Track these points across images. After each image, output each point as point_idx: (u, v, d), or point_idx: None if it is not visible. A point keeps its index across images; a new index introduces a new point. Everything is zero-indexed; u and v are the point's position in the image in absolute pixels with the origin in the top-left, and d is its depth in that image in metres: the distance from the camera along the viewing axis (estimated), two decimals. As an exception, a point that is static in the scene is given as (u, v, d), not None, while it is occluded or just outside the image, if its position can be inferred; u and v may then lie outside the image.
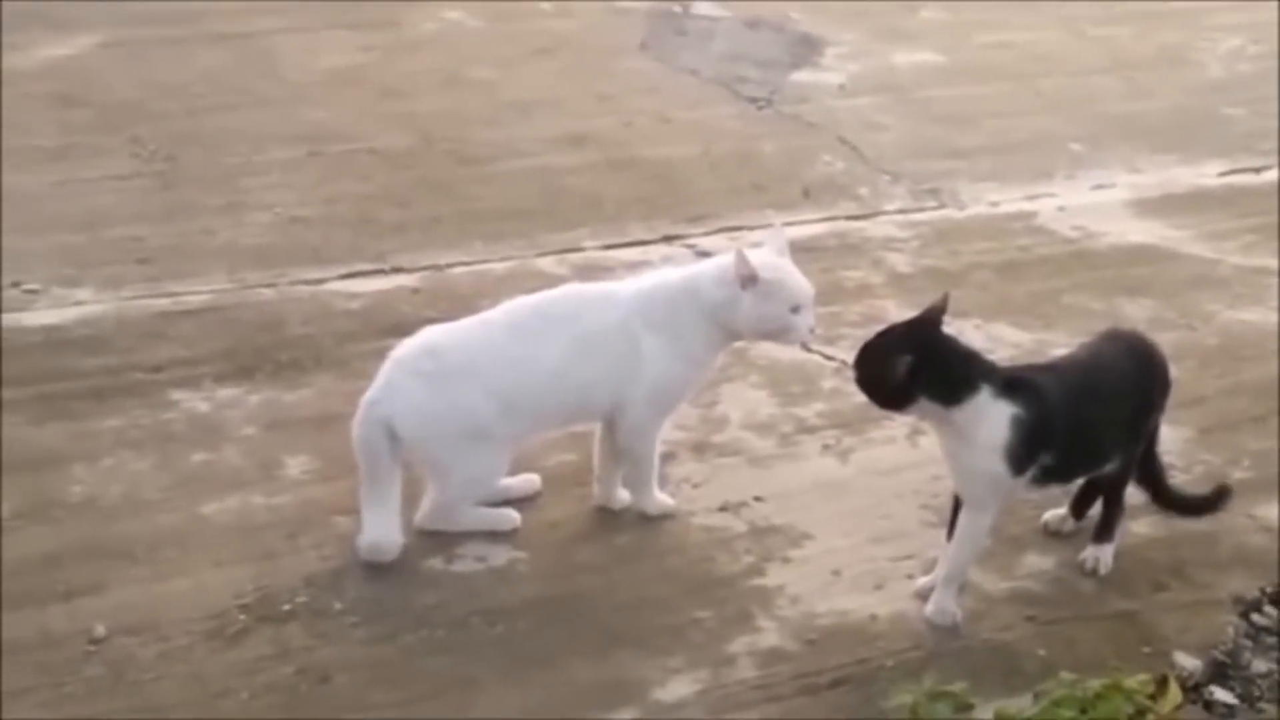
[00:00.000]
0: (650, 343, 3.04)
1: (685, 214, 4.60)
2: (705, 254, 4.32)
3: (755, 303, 2.98)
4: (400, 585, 2.92)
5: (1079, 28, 6.59)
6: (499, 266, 4.23)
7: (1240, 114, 5.65)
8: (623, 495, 3.21)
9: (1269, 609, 2.96)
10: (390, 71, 5.72)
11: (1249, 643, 2.89)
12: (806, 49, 6.16)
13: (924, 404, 2.74)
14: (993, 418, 2.74)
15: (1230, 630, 2.91)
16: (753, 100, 5.60)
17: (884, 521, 3.19)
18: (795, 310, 3.00)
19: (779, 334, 3.07)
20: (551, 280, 4.13)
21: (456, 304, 3.99)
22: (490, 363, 2.99)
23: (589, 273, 4.20)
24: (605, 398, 3.07)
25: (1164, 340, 3.87)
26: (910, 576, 3.01)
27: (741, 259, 2.96)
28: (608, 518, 3.18)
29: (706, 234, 4.48)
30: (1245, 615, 2.95)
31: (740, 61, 5.99)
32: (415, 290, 4.08)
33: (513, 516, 3.13)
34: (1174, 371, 3.73)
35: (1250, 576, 3.05)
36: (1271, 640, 2.88)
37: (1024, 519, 3.19)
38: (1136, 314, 4.08)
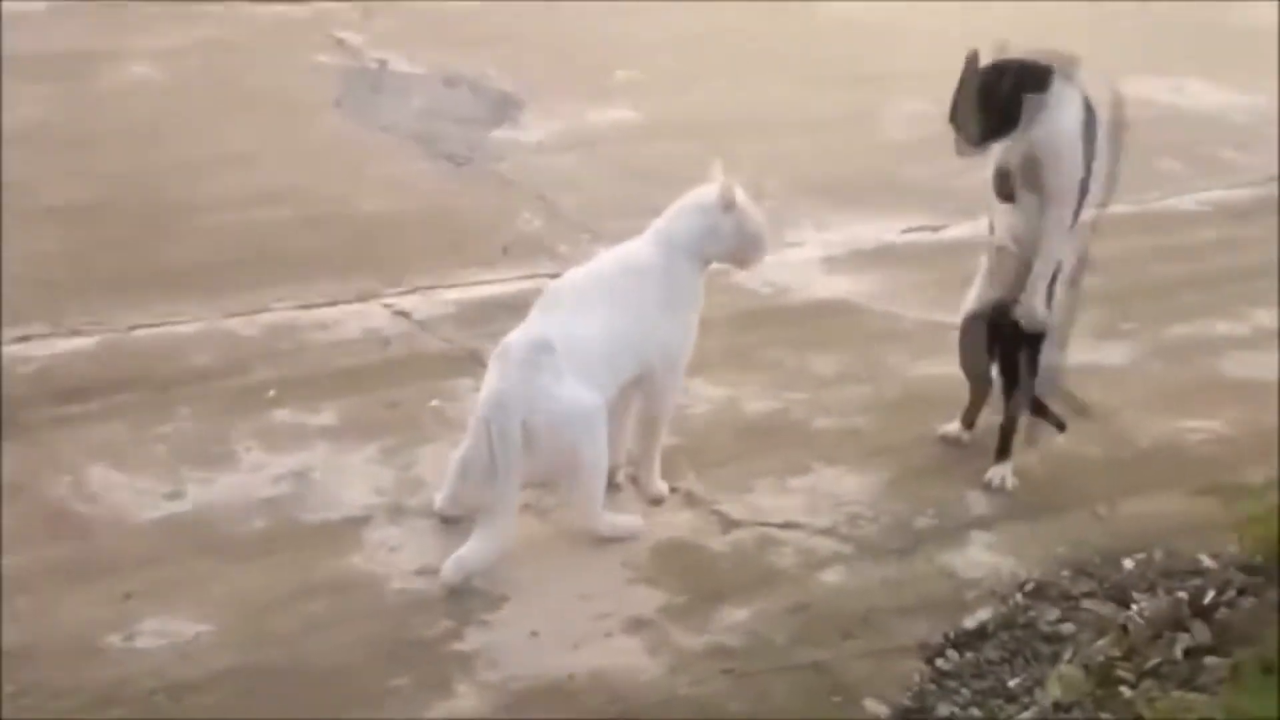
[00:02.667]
0: (658, 298, 3.33)
1: (382, 272, 4.54)
2: (403, 313, 4.29)
3: (734, 224, 3.36)
4: (74, 665, 2.78)
5: (769, 90, 6.75)
6: (186, 328, 4.10)
7: (922, 173, 5.87)
8: (662, 485, 3.45)
9: (952, 653, 3.05)
10: (76, 126, 5.52)
11: (934, 687, 2.96)
12: (505, 107, 6.17)
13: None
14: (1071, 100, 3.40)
15: (916, 676, 2.98)
16: (451, 157, 5.57)
17: (583, 580, 3.19)
18: (760, 229, 3.42)
19: (751, 251, 3.45)
20: (239, 341, 4.05)
21: (139, 366, 3.87)
22: (568, 345, 3.17)
23: (281, 333, 4.11)
24: (644, 356, 3.32)
25: (851, 393, 4.04)
26: (609, 635, 3.00)
27: (727, 185, 3.35)
28: (297, 584, 3.09)
29: (404, 293, 4.43)
30: (930, 660, 3.03)
31: (438, 119, 5.96)
32: (94, 354, 3.91)
33: (638, 523, 3.34)
34: (859, 423, 3.88)
35: (935, 622, 3.14)
36: (955, 684, 2.96)
37: (718, 573, 3.23)
38: (826, 368, 4.18)
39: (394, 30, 6.97)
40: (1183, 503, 3.38)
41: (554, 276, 4.54)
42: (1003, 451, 3.69)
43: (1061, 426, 3.78)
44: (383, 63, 6.54)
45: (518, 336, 3.23)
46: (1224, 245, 5.37)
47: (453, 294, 4.45)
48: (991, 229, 3.63)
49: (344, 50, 6.65)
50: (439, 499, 3.34)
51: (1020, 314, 3.55)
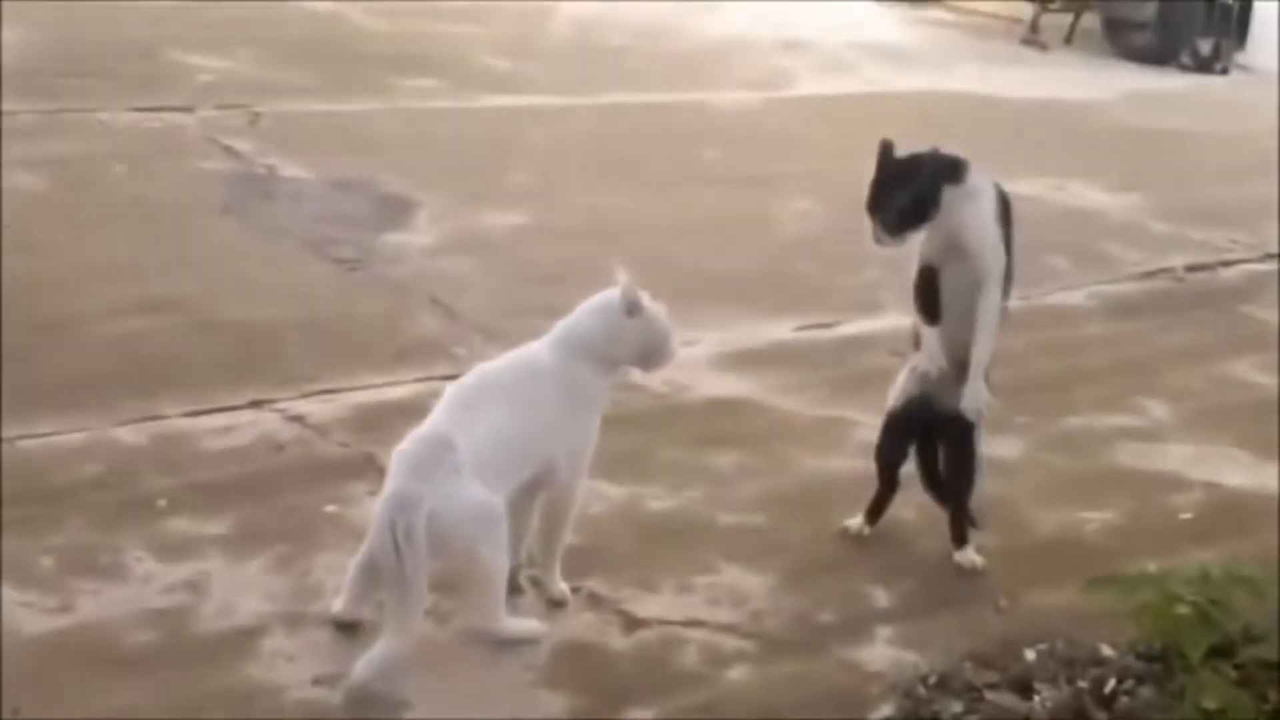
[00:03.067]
0: (558, 400, 3.30)
1: (274, 378, 4.49)
2: (298, 417, 4.24)
3: (639, 329, 3.33)
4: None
5: (661, 192, 6.82)
6: (73, 438, 4.00)
7: (813, 271, 5.95)
8: (563, 586, 3.42)
9: (859, 749, 3.04)
10: (-50, 236, 5.41)
11: (842, 783, 2.95)
12: (397, 210, 6.16)
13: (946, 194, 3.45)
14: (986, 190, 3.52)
15: (824, 772, 2.97)
16: (343, 262, 5.54)
17: (484, 685, 3.15)
18: (667, 334, 3.39)
19: (656, 356, 3.42)
20: (129, 450, 3.97)
21: (26, 478, 3.78)
22: (470, 443, 3.12)
23: (172, 441, 4.04)
24: (543, 457, 3.29)
25: (750, 489, 4.05)
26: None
27: (629, 288, 3.31)
28: (193, 696, 3.01)
29: (297, 397, 4.37)
30: (838, 756, 3.01)
31: (330, 223, 5.93)
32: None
33: (540, 626, 3.29)
34: (760, 519, 3.88)
35: (839, 716, 3.13)
36: (863, 779, 2.95)
37: (622, 674, 3.19)
38: (725, 465, 4.19)
39: (282, 136, 6.95)
40: (1082, 593, 3.40)
41: (450, 379, 4.54)
42: (960, 536, 3.73)
43: (974, 523, 3.80)
44: (271, 168, 6.51)
45: (419, 434, 3.20)
46: (1111, 339, 5.49)
47: (348, 398, 4.41)
48: (916, 341, 3.67)
49: (232, 157, 6.62)
50: (337, 604, 3.28)
51: (965, 405, 3.60)
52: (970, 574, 3.70)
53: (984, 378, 3.60)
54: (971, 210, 3.52)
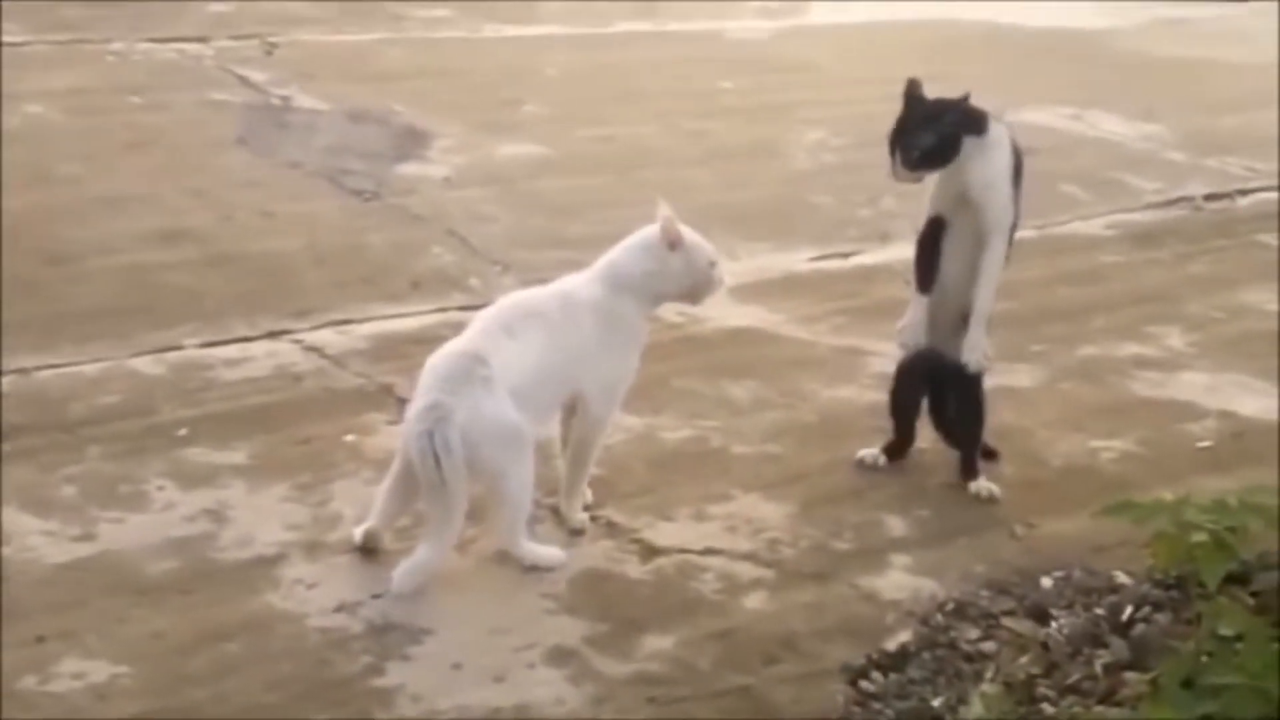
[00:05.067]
0: (598, 334, 3.31)
1: (290, 309, 4.50)
2: (315, 348, 4.25)
3: (682, 263, 3.33)
4: (-13, 711, 2.72)
5: (674, 122, 6.80)
6: (90, 369, 4.02)
7: (827, 202, 5.93)
8: (582, 516, 3.43)
9: (875, 675, 3.05)
10: (-32, 168, 5.41)
11: (858, 710, 2.96)
12: (411, 142, 6.15)
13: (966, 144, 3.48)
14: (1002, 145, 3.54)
15: (840, 699, 2.98)
16: (358, 193, 5.54)
17: (504, 612, 3.16)
18: (712, 265, 3.38)
19: (702, 289, 3.43)
20: (147, 380, 3.99)
21: (46, 408, 3.80)
22: (503, 365, 3.15)
23: (190, 371, 4.06)
24: (576, 386, 3.31)
25: (766, 419, 4.06)
26: (532, 666, 2.98)
27: (670, 223, 3.30)
28: (214, 624, 3.03)
29: (313, 328, 4.38)
30: (853, 683, 3.02)
31: (344, 154, 5.92)
32: None
33: (560, 553, 3.29)
34: (776, 449, 3.89)
35: (856, 644, 3.14)
36: (879, 706, 2.96)
37: (639, 601, 3.22)
38: (741, 395, 4.19)
39: (297, 66, 6.93)
40: (1098, 521, 3.40)
41: (466, 310, 4.56)
42: (970, 470, 3.77)
43: (994, 455, 3.86)
44: (286, 99, 6.50)
45: (452, 348, 3.23)
46: (1128, 268, 5.47)
47: (364, 329, 4.42)
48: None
49: (247, 87, 6.60)
50: (358, 532, 3.30)
51: (968, 357, 3.64)
52: (987, 502, 3.71)
53: (984, 329, 3.64)
54: (987, 162, 3.57)
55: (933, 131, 3.51)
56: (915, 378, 3.78)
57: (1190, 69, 8.91)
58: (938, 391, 3.81)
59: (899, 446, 3.85)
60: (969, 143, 3.53)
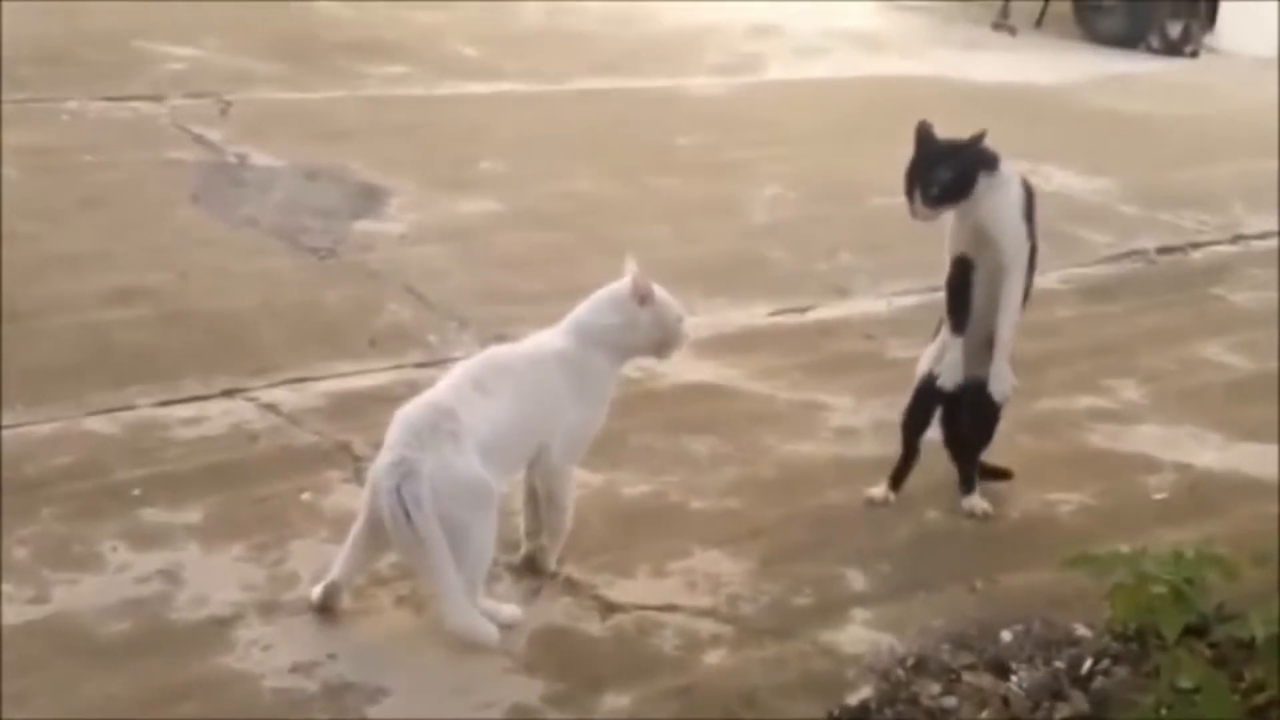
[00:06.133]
0: (567, 388, 3.34)
1: (246, 367, 4.47)
2: (271, 406, 4.23)
3: (651, 317, 3.38)
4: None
5: (632, 178, 6.82)
6: (44, 428, 3.98)
7: (784, 256, 5.95)
8: (553, 561, 3.46)
9: (836, 731, 3.05)
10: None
11: (820, 766, 2.95)
12: (368, 199, 6.14)
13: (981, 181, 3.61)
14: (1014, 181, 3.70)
15: (802, 755, 2.97)
16: (314, 250, 5.53)
17: (462, 670, 3.13)
18: (679, 320, 3.43)
19: (670, 343, 3.48)
20: (101, 440, 3.96)
21: (-2, 469, 3.77)
22: (472, 419, 3.16)
23: (144, 431, 4.03)
24: (544, 440, 3.33)
25: (725, 475, 4.06)
26: (490, 726, 2.96)
27: (641, 278, 3.36)
28: (169, 686, 2.99)
29: (269, 386, 4.35)
30: (815, 739, 3.02)
31: (300, 212, 5.91)
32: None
33: (518, 612, 3.28)
34: (735, 504, 3.89)
35: (817, 701, 3.13)
36: (841, 762, 2.96)
37: (598, 659, 3.19)
38: (700, 450, 4.19)
39: (253, 125, 6.92)
40: (1056, 574, 3.41)
41: (424, 366, 4.55)
42: (968, 484, 3.92)
43: (1008, 475, 4.05)
44: (242, 157, 6.48)
45: (423, 399, 3.24)
46: (1082, 321, 5.51)
47: (321, 386, 4.39)
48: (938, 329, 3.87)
49: (202, 145, 6.59)
50: (315, 591, 3.27)
51: (994, 388, 3.79)
52: (942, 556, 3.73)
53: (1008, 359, 3.79)
54: (999, 200, 3.70)
55: (949, 168, 3.63)
56: (933, 398, 3.87)
57: (1139, 123, 9.03)
58: (951, 409, 3.90)
59: (903, 469, 3.93)
60: (983, 179, 3.65)
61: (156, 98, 7.18)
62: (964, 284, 3.77)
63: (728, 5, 11.11)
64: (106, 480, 3.78)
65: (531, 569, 3.48)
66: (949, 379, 3.80)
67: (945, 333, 3.84)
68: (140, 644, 3.13)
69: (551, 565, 3.47)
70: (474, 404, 3.21)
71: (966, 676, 3.24)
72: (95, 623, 3.18)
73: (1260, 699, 3.02)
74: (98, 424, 4.06)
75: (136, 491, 3.72)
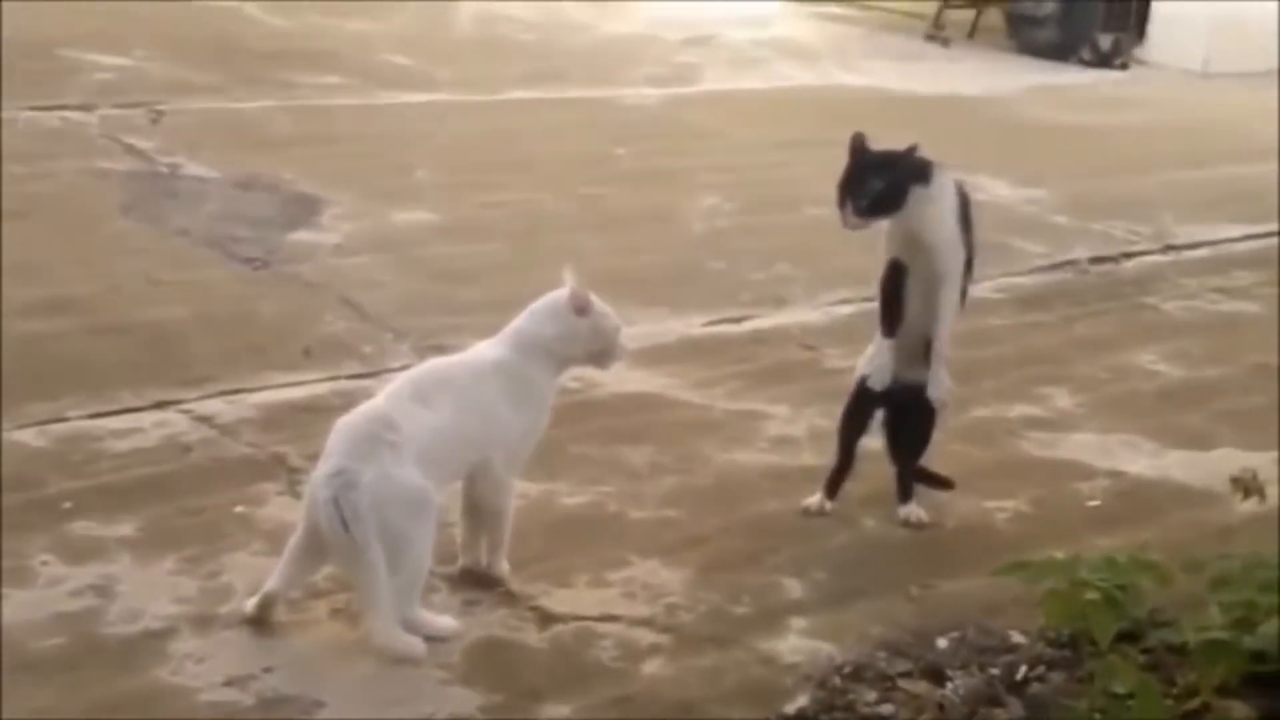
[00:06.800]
0: (506, 398, 3.33)
1: (179, 378, 4.43)
2: (205, 418, 4.19)
3: (589, 328, 3.39)
4: None
5: (567, 188, 6.81)
6: (-28, 441, 3.94)
7: (721, 266, 5.96)
8: (504, 565, 3.46)
9: (775, 739, 3.05)
10: None
11: (759, 774, 2.95)
12: (302, 209, 6.10)
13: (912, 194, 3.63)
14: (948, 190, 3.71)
15: (741, 764, 2.97)
16: (248, 261, 5.48)
17: (398, 682, 3.11)
18: (617, 330, 3.45)
19: (609, 354, 3.50)
20: (31, 453, 3.91)
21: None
22: (411, 429, 3.15)
23: (76, 443, 3.98)
24: (483, 451, 3.32)
25: (663, 484, 4.06)
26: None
27: (578, 290, 3.36)
28: (102, 700, 2.96)
29: (203, 398, 4.31)
30: (754, 748, 3.02)
31: (233, 222, 5.86)
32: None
33: (454, 623, 3.26)
34: (673, 513, 3.89)
35: (755, 709, 3.14)
36: (780, 770, 2.96)
37: (536, 669, 3.18)
38: (637, 460, 4.19)
39: (185, 135, 6.87)
40: (992, 581, 3.43)
41: (359, 378, 4.52)
42: (905, 493, 3.93)
43: (950, 485, 4.03)
44: (174, 167, 6.43)
45: (363, 409, 3.23)
46: (1016, 330, 5.55)
47: (255, 398, 4.36)
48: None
49: (133, 155, 6.53)
50: (250, 603, 3.24)
51: (933, 394, 3.82)
52: (878, 564, 3.75)
53: (946, 366, 3.81)
54: (933, 211, 3.73)
55: (880, 180, 3.65)
56: (869, 402, 3.89)
57: (1071, 134, 9.11)
58: (893, 415, 3.92)
59: (838, 476, 3.94)
60: (915, 191, 3.67)
61: (86, 107, 7.11)
62: (897, 287, 3.79)
63: (661, 17, 11.13)
64: (37, 493, 3.73)
65: (485, 584, 3.46)
66: (878, 380, 3.81)
67: (877, 335, 3.86)
68: (73, 658, 3.10)
69: (503, 572, 3.46)
70: (414, 414, 3.20)
71: (903, 683, 3.25)
72: (27, 637, 3.14)
73: (1193, 704, 3.05)
74: (28, 436, 4.01)
75: (68, 504, 3.68)
